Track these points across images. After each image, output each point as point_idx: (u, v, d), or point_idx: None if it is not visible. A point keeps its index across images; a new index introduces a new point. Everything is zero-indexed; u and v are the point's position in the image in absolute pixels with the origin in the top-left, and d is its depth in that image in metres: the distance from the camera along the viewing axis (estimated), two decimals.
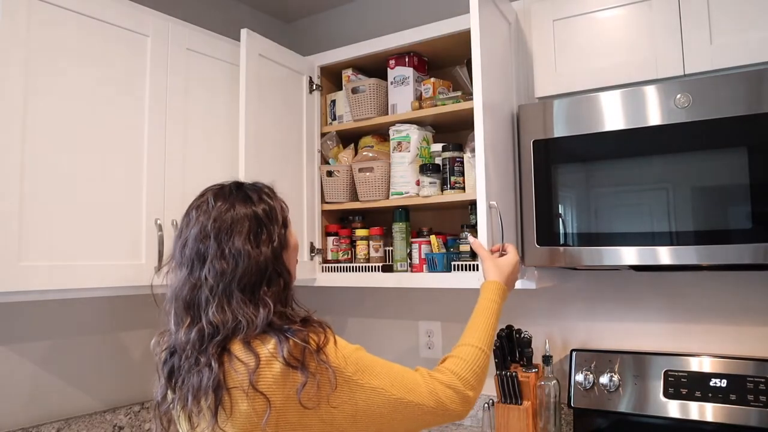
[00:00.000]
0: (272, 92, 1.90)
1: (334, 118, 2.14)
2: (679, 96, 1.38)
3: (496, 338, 1.80)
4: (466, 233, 1.85)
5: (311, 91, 2.09)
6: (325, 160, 2.11)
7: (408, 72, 1.98)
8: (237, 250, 1.04)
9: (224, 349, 1.00)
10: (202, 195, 1.13)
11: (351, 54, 2.06)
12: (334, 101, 2.15)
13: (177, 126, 1.70)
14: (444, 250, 1.88)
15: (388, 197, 1.96)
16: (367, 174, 1.96)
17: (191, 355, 1.00)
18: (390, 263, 2.00)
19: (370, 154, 2.00)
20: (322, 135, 2.12)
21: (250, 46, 1.80)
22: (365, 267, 2.00)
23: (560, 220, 1.52)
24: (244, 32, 1.79)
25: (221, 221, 1.06)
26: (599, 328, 1.85)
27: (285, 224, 1.13)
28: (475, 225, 1.73)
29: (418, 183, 1.91)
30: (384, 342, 2.29)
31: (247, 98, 1.77)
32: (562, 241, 1.51)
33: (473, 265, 1.76)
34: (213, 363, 0.98)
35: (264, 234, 1.08)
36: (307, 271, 2.00)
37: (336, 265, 2.05)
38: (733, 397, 1.55)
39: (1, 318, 1.64)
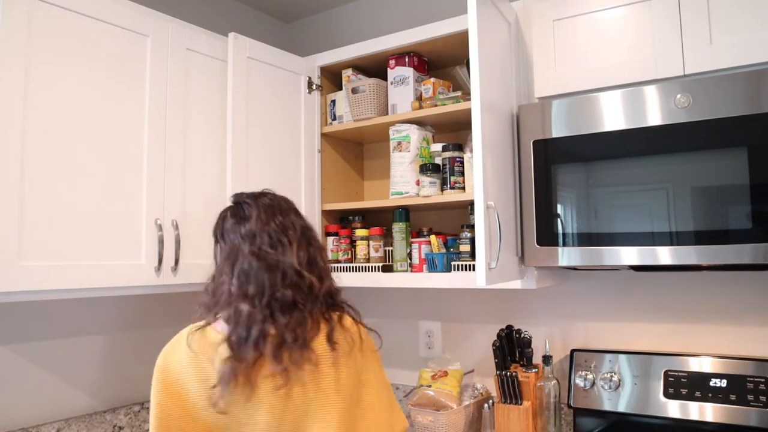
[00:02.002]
0: (265, 93, 1.91)
1: (334, 118, 2.14)
2: (679, 96, 1.38)
3: (496, 338, 1.81)
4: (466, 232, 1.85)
5: (311, 91, 2.09)
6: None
7: (408, 72, 1.98)
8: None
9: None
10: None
11: (351, 54, 2.06)
12: (334, 101, 2.15)
13: (177, 125, 1.70)
14: (444, 250, 1.88)
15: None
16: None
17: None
18: (390, 263, 2.00)
19: None
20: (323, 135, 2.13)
21: (237, 49, 1.82)
22: (365, 267, 2.00)
23: (560, 220, 1.51)
24: (231, 36, 1.81)
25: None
26: (599, 328, 1.85)
27: None
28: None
29: (418, 183, 1.91)
30: (384, 342, 2.29)
31: (234, 101, 1.79)
32: (561, 241, 1.51)
33: (473, 265, 1.76)
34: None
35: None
36: None
37: (336, 265, 2.05)
38: (733, 397, 1.55)
39: (1, 318, 1.64)
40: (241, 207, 1.26)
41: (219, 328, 1.17)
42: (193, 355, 1.14)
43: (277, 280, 1.17)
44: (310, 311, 1.19)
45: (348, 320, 1.26)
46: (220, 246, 1.27)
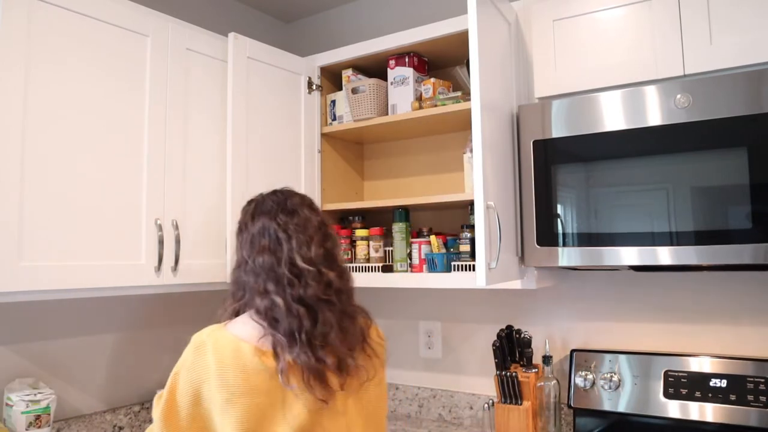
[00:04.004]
0: (265, 93, 1.91)
1: (334, 119, 2.14)
2: (679, 96, 1.38)
3: (496, 338, 1.81)
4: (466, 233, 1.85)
5: (311, 91, 2.09)
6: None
7: (408, 72, 1.98)
8: None
9: None
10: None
11: (351, 54, 2.06)
12: (334, 101, 2.15)
13: (177, 125, 1.70)
14: (444, 250, 1.88)
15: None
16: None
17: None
18: (390, 263, 2.00)
19: None
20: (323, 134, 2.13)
21: (237, 49, 1.82)
22: (365, 267, 2.00)
23: (560, 220, 1.51)
24: (231, 36, 1.81)
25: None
26: (599, 328, 1.85)
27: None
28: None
29: None
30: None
31: (234, 100, 1.79)
32: (561, 241, 1.51)
33: (473, 265, 1.76)
34: None
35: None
36: None
37: None
38: (733, 397, 1.55)
39: (1, 318, 1.64)
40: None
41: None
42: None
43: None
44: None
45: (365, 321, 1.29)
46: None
